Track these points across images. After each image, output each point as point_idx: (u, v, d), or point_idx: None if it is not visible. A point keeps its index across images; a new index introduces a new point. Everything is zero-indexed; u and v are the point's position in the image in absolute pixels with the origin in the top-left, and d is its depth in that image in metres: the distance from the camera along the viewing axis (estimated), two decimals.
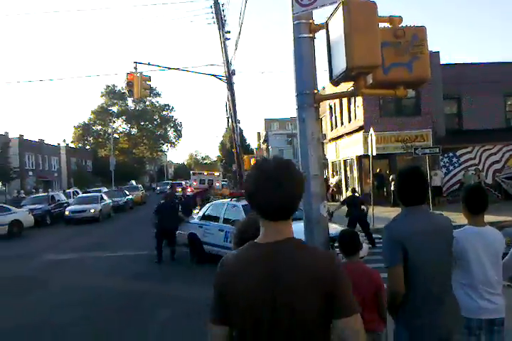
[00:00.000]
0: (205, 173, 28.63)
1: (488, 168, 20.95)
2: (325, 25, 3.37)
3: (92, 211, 23.31)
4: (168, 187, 35.20)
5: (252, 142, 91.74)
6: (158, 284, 9.22)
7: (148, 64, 16.16)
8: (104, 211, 24.72)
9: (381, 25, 3.44)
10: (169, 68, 17.63)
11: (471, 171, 20.22)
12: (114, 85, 73.84)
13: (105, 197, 26.68)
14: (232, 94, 18.09)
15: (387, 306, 3.05)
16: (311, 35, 3.54)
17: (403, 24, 3.40)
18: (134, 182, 46.82)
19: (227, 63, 17.74)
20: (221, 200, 11.46)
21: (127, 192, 32.44)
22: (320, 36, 3.66)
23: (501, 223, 9.31)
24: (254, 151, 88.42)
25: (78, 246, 14.86)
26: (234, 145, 18.74)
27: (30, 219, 20.23)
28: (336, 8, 3.11)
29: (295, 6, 3.49)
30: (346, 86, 3.73)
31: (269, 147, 72.91)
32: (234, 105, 18.25)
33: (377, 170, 20.67)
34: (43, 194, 28.54)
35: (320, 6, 3.40)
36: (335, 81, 3.32)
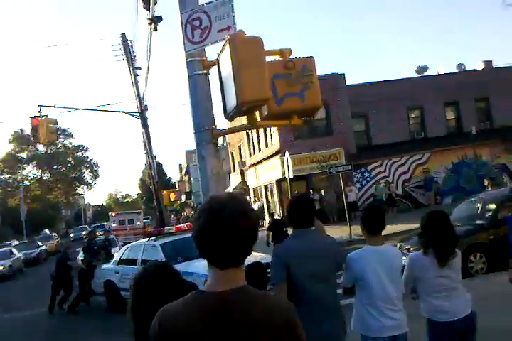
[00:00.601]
0: (126, 213, 27.65)
1: (397, 179, 22.15)
2: (216, 62, 3.37)
3: (1, 268, 21.52)
4: (85, 232, 33.48)
5: (175, 175, 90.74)
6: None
7: (54, 106, 15.52)
8: (14, 266, 22.91)
9: (272, 58, 3.52)
10: (76, 109, 17.02)
11: (382, 184, 21.24)
12: (21, 130, 70.13)
13: (15, 251, 24.83)
14: (147, 130, 17.78)
15: None
16: (205, 71, 3.53)
17: (300, 54, 3.48)
18: (47, 231, 44.17)
19: (140, 99, 17.47)
20: (139, 241, 11.00)
21: (40, 243, 30.49)
22: (215, 72, 3.67)
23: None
24: (177, 184, 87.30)
25: None
26: (151, 181, 18.31)
27: None
28: (224, 45, 3.11)
29: (187, 44, 3.48)
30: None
31: (191, 179, 72.28)
32: (149, 141, 17.91)
33: (295, 192, 21.09)
34: None
35: (211, 43, 3.42)
36: (229, 116, 3.29)
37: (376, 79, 24.76)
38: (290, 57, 3.45)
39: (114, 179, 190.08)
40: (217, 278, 1.57)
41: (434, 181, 21.72)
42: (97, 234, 21.65)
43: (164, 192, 20.70)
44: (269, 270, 3.64)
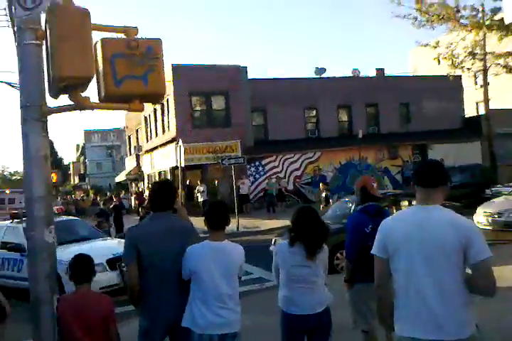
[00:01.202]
0: (7, 191, 25.50)
1: (289, 175, 22.81)
2: (44, 32, 3.04)
3: None
4: None
5: (71, 156, 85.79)
6: None
7: None
8: None
9: (116, 35, 3.27)
10: None
11: (274, 179, 21.76)
12: None
13: None
14: None
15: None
16: (38, 41, 3.18)
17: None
18: None
19: None
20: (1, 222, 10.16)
21: None
22: None
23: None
24: (71, 165, 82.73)
25: None
26: None
27: None
28: (46, 14, 2.81)
29: (18, 9, 3.10)
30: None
31: (86, 160, 68.90)
32: None
33: (188, 181, 20.92)
34: None
35: (44, 11, 3.07)
36: (53, 93, 3.00)
37: (277, 76, 25.25)
38: (136, 37, 3.24)
39: (2, 154, 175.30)
40: None
41: (325, 180, 22.60)
42: None
43: None
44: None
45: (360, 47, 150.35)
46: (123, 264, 8.12)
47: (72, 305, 3.23)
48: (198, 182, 20.98)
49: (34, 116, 3.12)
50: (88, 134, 74.19)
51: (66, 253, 8.15)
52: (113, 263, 7.88)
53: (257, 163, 22.50)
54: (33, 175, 3.11)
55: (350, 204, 10.55)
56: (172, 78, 21.00)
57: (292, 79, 24.75)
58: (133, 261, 3.34)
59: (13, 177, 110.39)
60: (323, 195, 16.46)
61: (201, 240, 3.49)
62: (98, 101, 3.20)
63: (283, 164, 23.01)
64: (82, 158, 73.97)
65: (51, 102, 3.29)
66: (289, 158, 23.11)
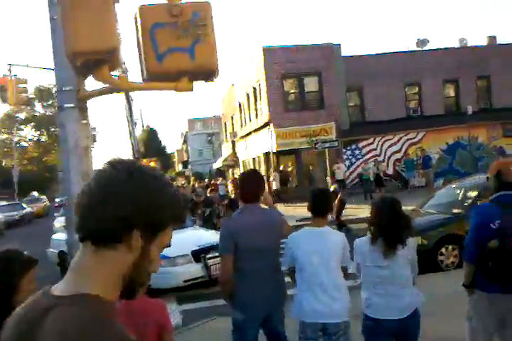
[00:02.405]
0: None
1: (389, 158, 21.36)
2: None
3: None
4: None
5: (176, 144, 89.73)
6: None
7: (27, 66, 14.62)
8: None
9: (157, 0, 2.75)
10: (52, 69, 16.04)
11: (371, 163, 20.50)
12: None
13: None
14: (127, 94, 16.91)
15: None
16: None
17: None
18: (35, 193, 43.69)
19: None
20: None
21: (24, 205, 29.99)
22: None
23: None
24: (176, 153, 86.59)
25: None
26: (132, 149, 17.56)
27: None
28: None
29: None
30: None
31: (188, 148, 71.51)
32: (130, 106, 17.07)
33: (281, 167, 20.43)
34: None
35: None
36: (79, 71, 2.54)
37: (373, 52, 23.63)
38: (180, 2, 2.68)
39: (113, 144, 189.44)
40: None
41: (431, 159, 20.79)
42: None
43: (144, 160, 19.97)
44: None
45: (468, 13, 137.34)
46: (207, 256, 7.95)
47: (120, 312, 2.77)
48: (281, 167, 20.25)
49: (72, 102, 2.70)
50: (191, 122, 77.05)
51: None
52: (198, 255, 7.61)
53: (354, 147, 21.37)
54: (73, 168, 2.71)
55: (459, 191, 9.33)
56: (263, 61, 20.52)
57: (391, 54, 23.03)
58: (230, 254, 3.29)
59: None
60: None
61: (295, 229, 3.59)
62: (140, 81, 2.71)
63: (382, 146, 21.63)
64: (185, 145, 76.99)
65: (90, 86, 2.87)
66: (389, 140, 21.65)
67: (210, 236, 8.76)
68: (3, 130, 68.96)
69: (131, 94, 17.55)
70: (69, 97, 2.71)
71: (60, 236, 10.26)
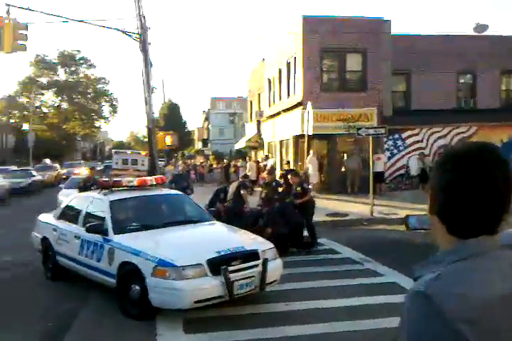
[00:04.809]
0: (129, 152, 25.23)
1: (435, 152, 19.01)
2: None
3: None
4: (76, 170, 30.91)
5: (198, 123, 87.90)
6: None
7: (28, 9, 12.50)
8: None
9: None
10: (61, 17, 13.84)
11: (416, 155, 18.21)
12: (44, 55, 68.62)
13: (0, 179, 22.56)
14: (146, 56, 14.81)
15: None
16: None
17: None
18: (48, 160, 42.16)
19: (140, 16, 14.37)
20: (89, 192, 8.41)
21: (34, 173, 28.18)
22: None
23: None
24: (196, 131, 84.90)
25: None
26: (147, 119, 15.55)
27: None
28: None
29: None
30: None
31: (210, 126, 69.61)
32: (147, 70, 14.98)
33: (314, 153, 18.20)
34: None
35: None
36: None
37: (427, 32, 21.00)
38: None
39: (135, 116, 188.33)
40: None
41: None
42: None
43: (160, 133, 17.98)
44: None
45: None
46: (230, 268, 5.74)
47: None
48: (311, 152, 17.89)
49: None
50: (214, 102, 75.17)
51: (152, 244, 6.06)
52: (217, 265, 5.53)
53: (396, 136, 19.02)
54: None
55: None
56: (302, 31, 18.15)
57: (445, 37, 20.41)
58: None
59: (145, 139, 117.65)
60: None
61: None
62: None
63: (428, 139, 19.25)
64: (206, 123, 75.17)
65: None
66: (437, 132, 19.25)
67: (234, 237, 6.69)
68: (24, 93, 67.86)
69: (150, 58, 15.49)
70: None
71: (47, 218, 8.33)
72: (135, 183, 7.46)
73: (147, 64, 14.86)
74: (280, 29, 24.74)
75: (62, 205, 8.20)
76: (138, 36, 14.43)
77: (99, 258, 6.34)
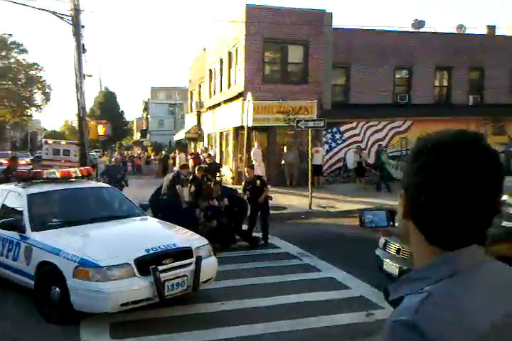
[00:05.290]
0: (63, 142, 23.89)
1: (371, 145, 19.34)
2: None
3: None
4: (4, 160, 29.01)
5: (138, 113, 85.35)
6: None
7: None
8: None
9: None
10: None
11: (353, 149, 18.42)
12: None
13: None
14: (78, 40, 13.84)
15: None
16: None
17: None
18: None
19: None
20: (5, 185, 7.64)
21: None
22: None
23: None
24: (135, 121, 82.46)
25: None
26: (78, 107, 14.60)
27: None
28: None
29: None
30: None
31: (149, 116, 67.77)
32: (79, 55, 14.03)
33: (255, 144, 17.96)
34: None
35: None
36: None
37: (366, 27, 21.28)
38: None
39: (72, 104, 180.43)
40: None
41: None
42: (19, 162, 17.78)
43: (92, 122, 17.00)
44: None
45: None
46: (160, 268, 5.21)
47: None
48: (256, 144, 17.76)
49: None
50: (154, 91, 73.19)
51: (73, 242, 5.53)
52: (145, 264, 5.10)
53: (335, 130, 19.15)
54: None
55: None
56: (245, 21, 17.78)
57: (384, 32, 20.74)
58: None
59: None
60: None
61: None
62: None
63: (365, 132, 19.54)
64: (145, 113, 73.20)
65: None
66: (373, 126, 19.58)
67: (166, 234, 6.27)
68: None
69: (84, 43, 14.55)
70: None
71: None
72: (57, 175, 6.83)
73: (79, 48, 13.92)
74: (222, 17, 24.22)
75: None
76: (70, 19, 13.46)
77: (16, 257, 5.73)
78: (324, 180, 18.33)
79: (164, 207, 8.77)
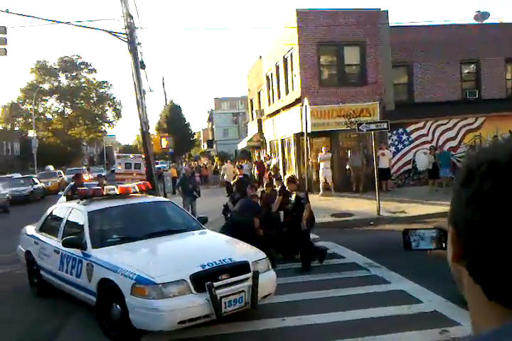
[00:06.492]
0: (131, 156, 24.81)
1: (442, 145, 18.34)
2: None
3: None
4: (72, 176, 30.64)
5: (203, 123, 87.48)
6: None
7: (7, 11, 12.01)
8: None
9: None
10: (45, 20, 13.26)
11: (425, 150, 17.53)
12: (45, 60, 68.81)
13: (0, 188, 22.21)
14: (135, 56, 14.26)
15: None
16: None
17: None
18: (51, 167, 41.88)
19: (128, 15, 13.84)
20: (69, 202, 7.82)
21: (36, 180, 27.80)
22: None
23: None
24: (201, 132, 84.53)
25: None
26: (140, 122, 15.02)
27: None
28: None
29: None
30: None
31: (214, 126, 69.11)
32: (137, 71, 14.44)
33: (323, 150, 17.64)
34: None
35: None
36: None
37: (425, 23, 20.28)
38: None
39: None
40: None
41: None
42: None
43: (155, 136, 17.44)
44: None
45: None
46: (216, 284, 4.96)
47: None
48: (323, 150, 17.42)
49: None
50: (218, 102, 74.67)
51: (131, 258, 5.51)
52: (201, 281, 4.97)
53: (400, 131, 18.38)
54: None
55: None
56: (297, 26, 17.55)
57: (446, 26, 19.71)
58: None
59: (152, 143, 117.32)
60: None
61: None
62: None
63: (433, 132, 18.58)
64: (210, 124, 74.79)
65: None
66: (442, 125, 18.58)
67: (222, 247, 6.14)
68: (27, 100, 67.81)
69: (143, 59, 14.97)
70: None
71: (31, 230, 7.83)
72: (117, 191, 6.93)
73: (137, 65, 14.32)
74: (276, 24, 24.18)
75: (43, 216, 7.69)
76: (125, 37, 13.91)
77: (79, 274, 5.84)
78: (393, 184, 17.59)
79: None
